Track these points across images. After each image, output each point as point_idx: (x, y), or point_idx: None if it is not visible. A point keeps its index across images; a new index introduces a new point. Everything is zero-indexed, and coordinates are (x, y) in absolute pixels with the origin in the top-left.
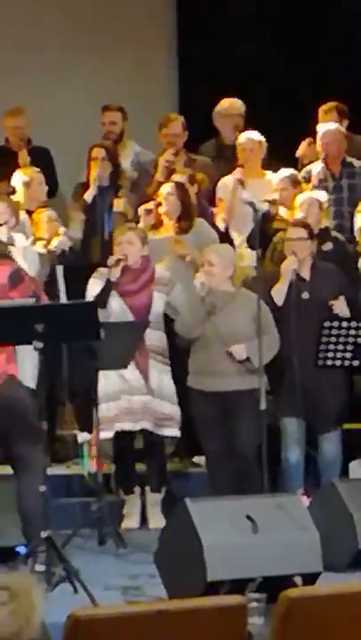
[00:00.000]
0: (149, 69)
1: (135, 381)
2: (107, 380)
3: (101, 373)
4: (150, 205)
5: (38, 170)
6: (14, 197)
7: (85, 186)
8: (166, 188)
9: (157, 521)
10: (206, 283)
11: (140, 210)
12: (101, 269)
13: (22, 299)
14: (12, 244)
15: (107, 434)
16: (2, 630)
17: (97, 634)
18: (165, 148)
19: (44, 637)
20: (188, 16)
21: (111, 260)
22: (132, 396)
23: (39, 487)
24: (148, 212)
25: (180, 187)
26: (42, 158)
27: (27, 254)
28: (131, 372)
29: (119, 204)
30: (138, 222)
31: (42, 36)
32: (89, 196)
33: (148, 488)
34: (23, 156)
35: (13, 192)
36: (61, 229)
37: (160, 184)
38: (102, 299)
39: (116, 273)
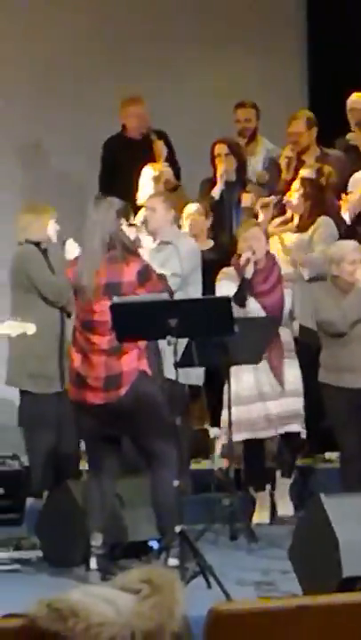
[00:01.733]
0: (279, 65)
1: (269, 387)
2: (240, 384)
3: (234, 375)
4: (267, 200)
5: (167, 164)
6: (141, 193)
7: (211, 182)
8: (294, 186)
9: (286, 508)
10: None
11: (258, 204)
12: (226, 270)
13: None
14: (140, 246)
15: (238, 436)
16: (145, 623)
17: (238, 628)
18: (286, 145)
19: (186, 631)
20: (318, 11)
21: (242, 261)
22: (266, 403)
23: (173, 482)
24: (265, 205)
25: (307, 182)
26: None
27: (178, 248)
28: (266, 376)
29: (247, 199)
30: (257, 216)
31: (171, 30)
32: (216, 192)
33: (278, 474)
34: (159, 148)
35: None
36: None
37: (286, 182)
38: (241, 297)
39: (250, 270)
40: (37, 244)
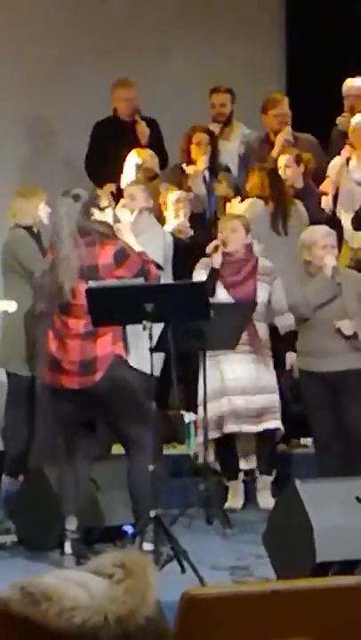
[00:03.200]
0: (256, 51)
1: (234, 382)
2: (208, 379)
3: (219, 365)
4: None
5: (153, 154)
6: (124, 178)
7: (181, 169)
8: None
9: (268, 502)
10: (336, 266)
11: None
12: (204, 259)
13: (130, 276)
14: (118, 221)
15: (213, 434)
16: (117, 608)
17: (211, 613)
18: (279, 127)
19: (159, 615)
20: None
21: (209, 248)
22: (233, 397)
23: (148, 466)
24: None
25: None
26: (150, 129)
27: (154, 238)
28: (230, 372)
29: (220, 189)
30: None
31: (152, 14)
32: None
33: (257, 471)
34: (142, 129)
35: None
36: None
37: (275, 160)
38: (209, 286)
39: (216, 260)
40: (29, 228)
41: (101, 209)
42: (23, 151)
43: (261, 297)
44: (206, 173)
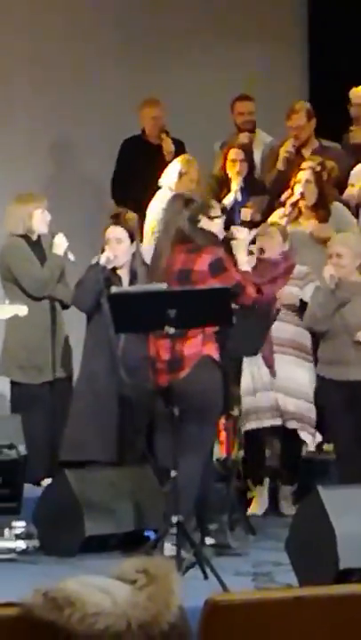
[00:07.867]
0: (279, 58)
1: (264, 377)
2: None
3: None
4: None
5: (196, 165)
6: (165, 181)
7: (220, 182)
8: (304, 175)
9: (289, 509)
10: (335, 275)
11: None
12: None
13: None
14: (233, 238)
15: (248, 425)
16: (141, 614)
17: (235, 619)
18: (287, 137)
19: (182, 622)
20: (319, 4)
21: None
22: (259, 393)
23: (198, 468)
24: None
25: (317, 174)
26: (176, 151)
27: None
28: (259, 369)
29: (246, 214)
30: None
31: (172, 25)
32: (230, 200)
33: (279, 481)
34: (168, 145)
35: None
36: None
37: (281, 172)
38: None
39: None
40: (24, 236)
41: (211, 218)
42: (44, 168)
43: (288, 299)
44: (239, 194)
